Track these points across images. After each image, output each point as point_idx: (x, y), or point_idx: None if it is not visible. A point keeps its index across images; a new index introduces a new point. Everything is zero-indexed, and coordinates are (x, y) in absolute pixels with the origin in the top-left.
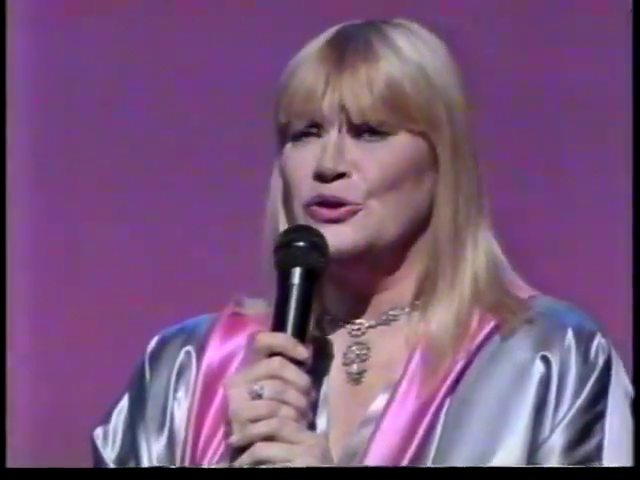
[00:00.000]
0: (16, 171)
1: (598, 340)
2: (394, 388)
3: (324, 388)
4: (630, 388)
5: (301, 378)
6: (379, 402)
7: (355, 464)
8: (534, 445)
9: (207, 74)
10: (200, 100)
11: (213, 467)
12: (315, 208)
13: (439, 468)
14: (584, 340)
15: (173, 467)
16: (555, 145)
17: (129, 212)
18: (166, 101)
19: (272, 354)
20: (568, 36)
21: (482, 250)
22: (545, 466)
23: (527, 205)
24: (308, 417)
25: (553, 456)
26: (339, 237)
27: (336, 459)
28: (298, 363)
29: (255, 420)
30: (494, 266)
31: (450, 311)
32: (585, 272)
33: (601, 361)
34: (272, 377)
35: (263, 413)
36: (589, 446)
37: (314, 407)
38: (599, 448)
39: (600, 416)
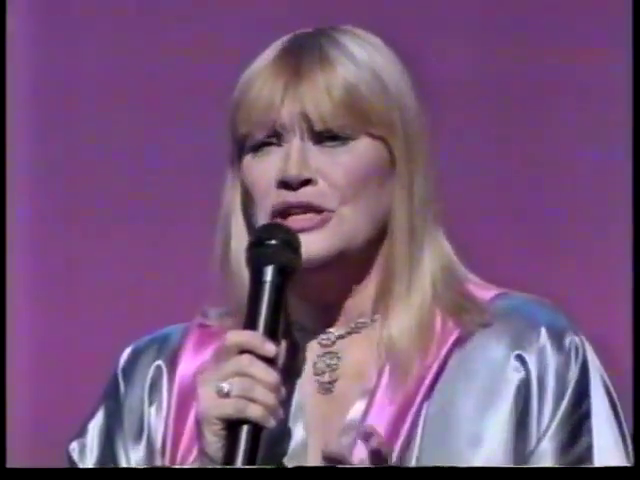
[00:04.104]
0: (16, 171)
1: (571, 338)
2: (370, 396)
3: (298, 397)
4: (606, 378)
5: (270, 375)
6: (356, 411)
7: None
8: (522, 452)
9: (209, 74)
10: (199, 100)
11: (210, 468)
12: (281, 219)
13: (436, 468)
14: (559, 339)
15: (173, 467)
16: (555, 143)
17: (127, 214)
18: (166, 102)
19: (241, 352)
20: (568, 31)
21: (439, 252)
22: (546, 466)
23: (526, 205)
24: (278, 414)
25: (545, 463)
26: (311, 245)
27: None
28: (268, 360)
29: (222, 419)
30: (450, 268)
31: (409, 314)
32: (585, 274)
33: (578, 360)
34: (240, 374)
35: (229, 412)
36: (579, 449)
37: (294, 417)
38: (589, 449)
39: (585, 417)
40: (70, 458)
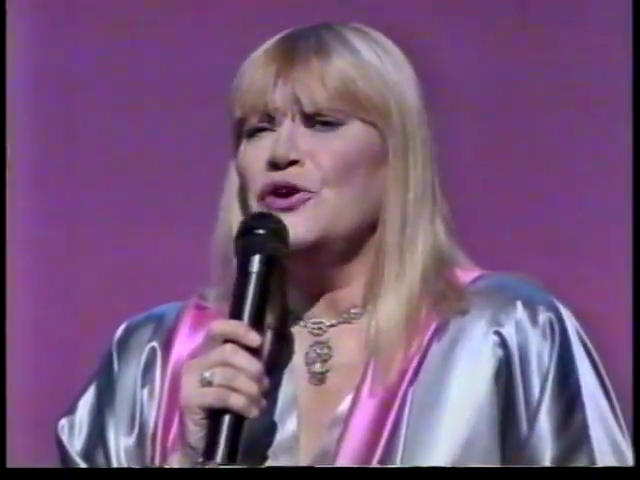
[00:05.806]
0: (16, 170)
1: (547, 312)
2: (357, 388)
3: (291, 389)
4: (592, 350)
5: (253, 365)
6: (346, 403)
7: (327, 465)
8: (515, 435)
9: (208, 73)
10: (198, 98)
11: (208, 468)
12: (269, 198)
13: (432, 468)
14: (535, 313)
15: (171, 467)
16: (555, 142)
17: (125, 207)
18: (165, 99)
19: (225, 341)
20: (568, 31)
21: (431, 244)
22: (546, 466)
23: (526, 203)
24: (261, 404)
25: (544, 445)
26: (292, 227)
27: (310, 460)
28: (252, 350)
29: (203, 408)
30: (442, 257)
31: (397, 305)
32: (585, 270)
33: (557, 336)
34: (223, 364)
35: (210, 401)
36: (575, 426)
37: (286, 408)
38: (584, 426)
39: (576, 395)
40: (58, 437)
